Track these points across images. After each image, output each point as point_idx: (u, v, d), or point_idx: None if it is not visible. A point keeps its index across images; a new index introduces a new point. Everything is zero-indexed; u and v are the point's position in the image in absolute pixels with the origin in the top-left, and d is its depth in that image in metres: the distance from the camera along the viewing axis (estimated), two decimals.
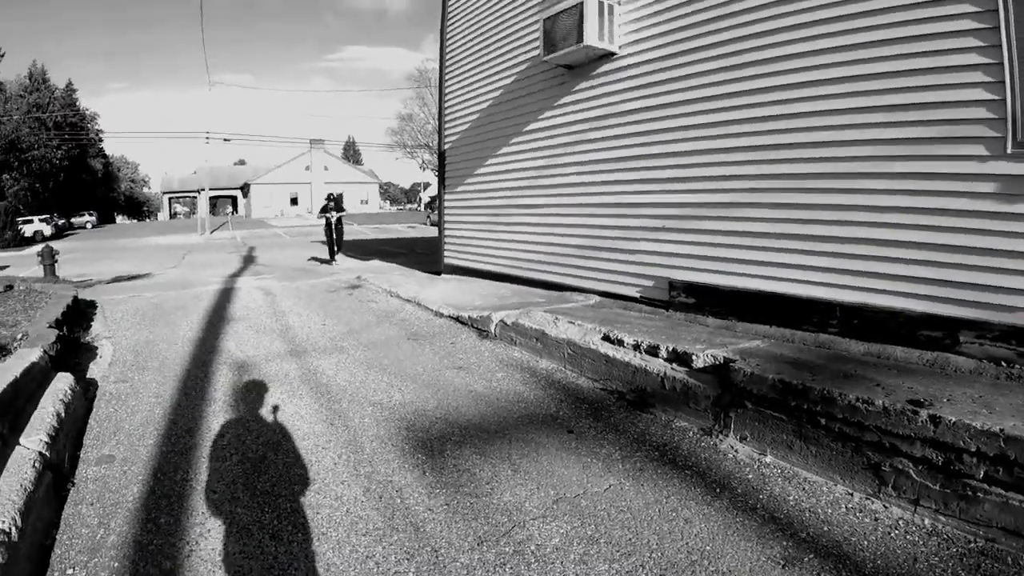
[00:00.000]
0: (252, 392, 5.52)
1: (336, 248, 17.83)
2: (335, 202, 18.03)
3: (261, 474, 4.01)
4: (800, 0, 5.77)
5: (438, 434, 4.62)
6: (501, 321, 7.17)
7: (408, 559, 3.11)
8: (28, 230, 42.81)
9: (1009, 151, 4.67)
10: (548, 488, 3.78)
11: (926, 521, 3.46)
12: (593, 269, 8.43)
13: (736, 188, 6.40)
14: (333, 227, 17.59)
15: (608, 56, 7.93)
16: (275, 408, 5.13)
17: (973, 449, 3.36)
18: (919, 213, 5.13)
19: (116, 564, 3.09)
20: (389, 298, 10.26)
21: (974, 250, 4.83)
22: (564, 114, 8.79)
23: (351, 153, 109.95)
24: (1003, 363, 4.71)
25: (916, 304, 5.15)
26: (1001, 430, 3.31)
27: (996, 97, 4.69)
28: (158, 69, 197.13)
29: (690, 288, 6.98)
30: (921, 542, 3.34)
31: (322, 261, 18.67)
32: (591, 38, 7.57)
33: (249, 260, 19.66)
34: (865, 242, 5.38)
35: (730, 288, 6.49)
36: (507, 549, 3.18)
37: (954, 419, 3.42)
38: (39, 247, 15.16)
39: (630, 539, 3.25)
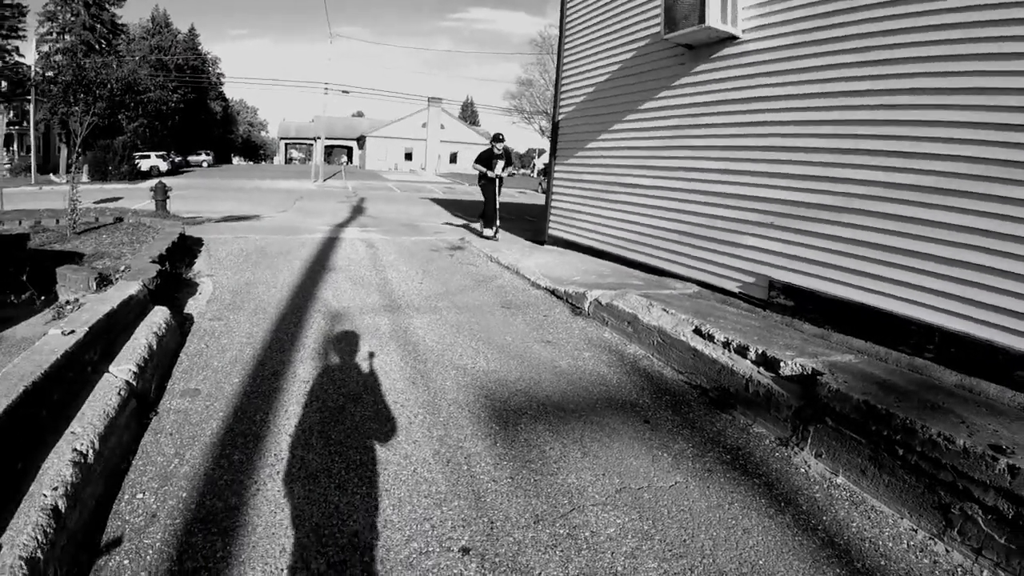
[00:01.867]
0: (341, 342, 5.82)
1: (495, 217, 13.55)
2: (505, 153, 13.39)
3: (337, 424, 4.27)
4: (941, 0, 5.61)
5: (515, 406, 4.79)
6: (595, 300, 7.29)
7: (464, 526, 3.28)
8: (144, 165, 44.56)
9: None
10: (614, 476, 3.90)
11: (985, 573, 3.49)
12: (694, 258, 8.43)
13: (849, 192, 6.28)
14: (497, 187, 13.36)
15: (730, 39, 7.83)
16: (361, 361, 5.40)
17: None
18: None
19: (184, 494, 3.36)
20: (488, 263, 10.49)
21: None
22: (680, 95, 8.73)
23: (468, 114, 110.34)
24: None
25: (1019, 342, 5.02)
26: None
27: None
28: (279, 19, 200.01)
29: (790, 290, 6.94)
30: None
31: (474, 231, 14.98)
32: (713, 19, 7.49)
33: (358, 211, 20.06)
34: (978, 268, 5.23)
35: (830, 296, 6.42)
36: (561, 531, 3.31)
37: None
38: (153, 182, 15.85)
39: (684, 540, 3.34)
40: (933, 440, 3.73)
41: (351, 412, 4.46)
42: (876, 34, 6.11)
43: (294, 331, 6.05)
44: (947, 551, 3.59)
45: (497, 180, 13.27)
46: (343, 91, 57.51)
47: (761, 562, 3.24)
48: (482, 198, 13.49)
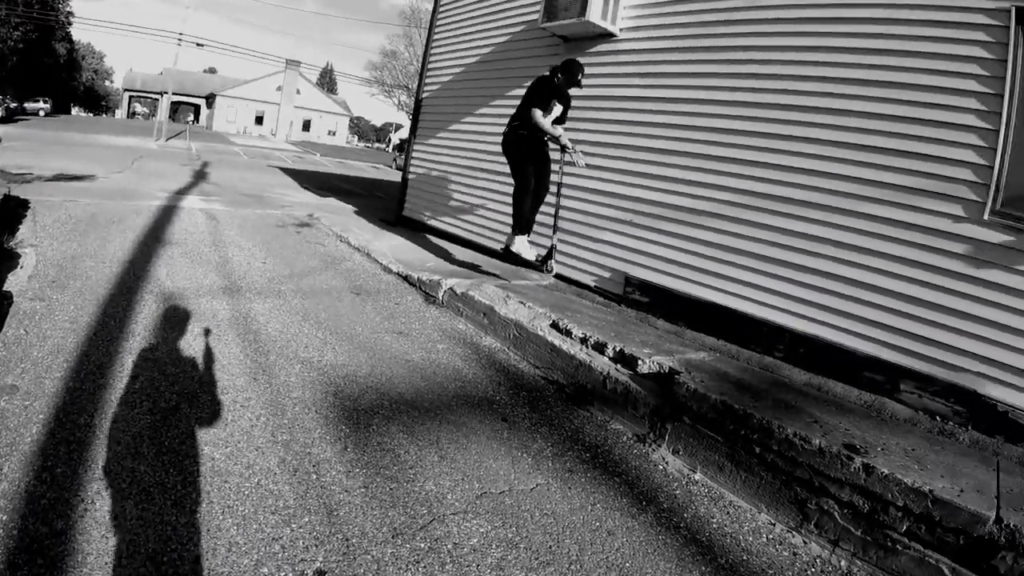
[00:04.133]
0: (175, 330, 5.45)
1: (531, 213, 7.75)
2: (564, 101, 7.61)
3: (171, 428, 3.92)
4: (813, 23, 5.96)
5: (367, 405, 4.62)
6: (450, 289, 7.22)
7: (317, 545, 3.09)
8: None
9: (986, 217, 4.97)
10: (473, 480, 3.84)
11: (843, 563, 3.67)
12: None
13: (708, 196, 6.56)
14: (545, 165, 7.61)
15: (607, 36, 7.95)
16: (197, 353, 5.06)
17: (900, 504, 3.58)
18: (886, 258, 5.39)
19: (5, 517, 2.98)
20: (338, 243, 10.18)
21: (931, 305, 5.14)
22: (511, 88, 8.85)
23: (326, 81, 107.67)
24: (938, 417, 5.04)
25: (864, 345, 5.45)
26: (930, 491, 3.53)
27: (985, 163, 4.98)
28: None
29: (645, 287, 7.13)
30: None
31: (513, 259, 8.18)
32: (595, 14, 7.59)
33: (200, 177, 19.14)
34: (826, 275, 5.64)
35: (684, 294, 6.66)
36: (422, 545, 3.20)
37: (886, 471, 3.62)
38: None
39: (550, 547, 3.33)
40: (790, 440, 3.93)
41: (186, 413, 4.14)
42: (741, 48, 6.45)
43: (123, 316, 5.63)
44: (805, 543, 3.77)
45: (561, 156, 7.49)
46: (197, 44, 54.91)
47: (628, 564, 3.28)
48: (334, 171, 11.71)
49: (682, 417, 4.48)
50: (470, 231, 10.37)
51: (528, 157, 7.42)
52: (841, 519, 3.76)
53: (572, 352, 5.42)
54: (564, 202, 7.98)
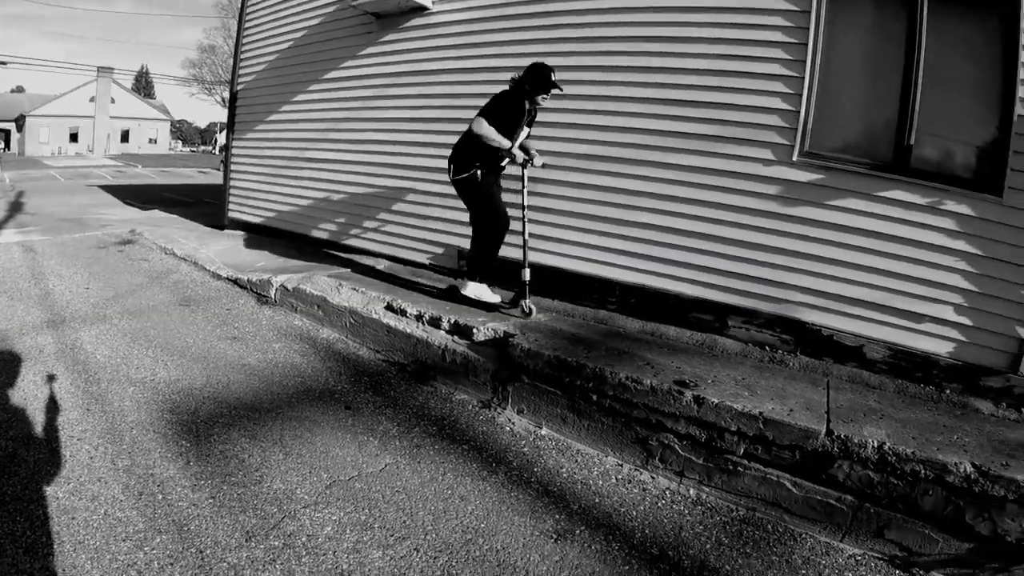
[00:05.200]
0: (2, 375, 5.25)
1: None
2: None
3: (11, 475, 3.72)
4: None
5: (205, 416, 4.56)
6: (282, 286, 7.15)
7: (172, 563, 3.07)
8: None
9: (795, 159, 5.48)
10: (321, 471, 3.87)
11: (691, 492, 3.96)
12: (385, 232, 8.48)
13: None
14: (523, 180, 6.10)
15: (421, 10, 7.95)
16: (27, 394, 4.82)
17: (734, 429, 3.89)
18: (703, 205, 5.78)
19: None
20: (164, 256, 9.84)
21: (751, 245, 5.55)
22: (367, 66, 8.71)
23: (143, 85, 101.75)
24: (767, 347, 5.49)
25: (691, 288, 5.85)
26: (760, 413, 3.86)
27: (792, 108, 5.47)
28: None
29: None
30: (687, 511, 3.79)
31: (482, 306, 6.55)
32: None
33: (15, 208, 17.86)
34: (648, 227, 5.96)
35: (517, 260, 6.83)
36: (277, 543, 3.22)
37: (716, 401, 3.94)
38: None
39: (405, 521, 3.41)
40: (623, 383, 4.18)
41: (24, 458, 3.98)
42: (549, 13, 6.70)
43: None
44: (653, 478, 4.04)
45: (522, 165, 6.08)
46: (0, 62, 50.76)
47: (483, 525, 3.40)
48: (158, 181, 10.60)
49: (521, 377, 4.67)
50: (300, 223, 10.20)
51: (481, 192, 6.05)
52: (683, 451, 4.04)
53: (409, 331, 5.53)
54: (389, 182, 8.09)
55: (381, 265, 8.09)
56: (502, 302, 6.15)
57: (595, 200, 6.34)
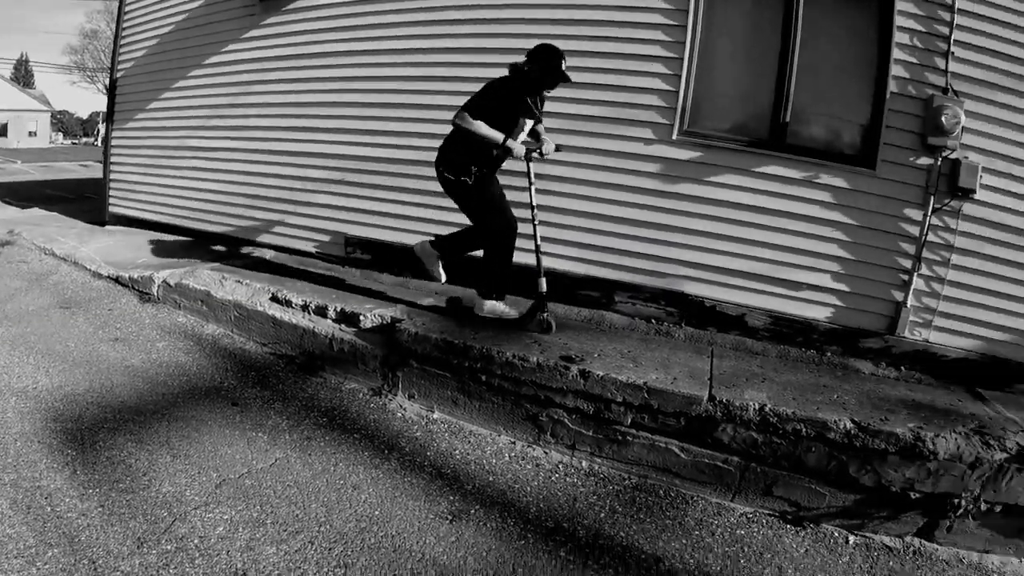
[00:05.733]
0: None
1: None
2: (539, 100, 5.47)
3: None
4: None
5: (90, 422, 4.43)
6: (164, 282, 7.00)
7: None
8: None
9: (675, 137, 5.74)
10: (211, 471, 3.82)
11: (584, 464, 4.11)
12: (270, 222, 8.35)
13: (414, 145, 6.77)
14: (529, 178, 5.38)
15: None
16: None
17: (620, 400, 4.04)
18: (588, 185, 5.99)
19: None
20: (44, 256, 9.45)
21: (633, 222, 5.77)
22: (250, 49, 8.51)
23: (22, 74, 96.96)
24: (653, 320, 5.74)
25: (578, 267, 6.07)
26: (645, 383, 4.03)
27: (671, 88, 5.72)
28: None
29: (365, 244, 7.26)
30: (580, 483, 3.92)
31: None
32: None
33: None
34: (536, 208, 6.06)
35: (404, 245, 6.80)
36: (169, 547, 3.18)
37: (602, 373, 4.08)
38: None
39: (297, 515, 3.41)
40: (510, 362, 4.30)
41: None
42: None
43: None
44: (546, 453, 4.16)
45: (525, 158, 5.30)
46: None
47: (376, 513, 3.43)
48: (38, 177, 9.15)
49: (410, 362, 4.73)
50: (184, 216, 9.88)
51: (477, 198, 5.37)
52: (573, 425, 4.18)
53: (295, 321, 5.52)
54: (274, 170, 7.99)
55: (268, 256, 8.00)
56: (520, 316, 5.40)
57: None
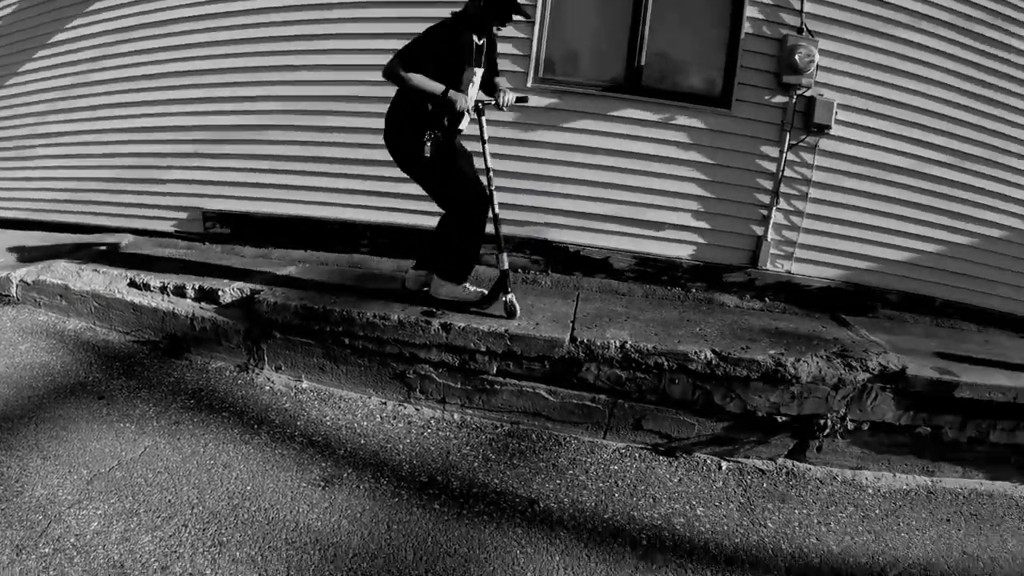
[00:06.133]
0: None
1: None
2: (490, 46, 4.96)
3: None
4: None
5: None
6: (22, 281, 6.74)
7: None
8: None
9: (530, 85, 5.85)
10: (81, 468, 3.77)
11: (455, 416, 4.21)
12: (127, 204, 8.05)
13: (268, 110, 6.67)
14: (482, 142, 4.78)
15: None
16: None
17: (484, 349, 4.15)
18: None
19: None
20: None
21: (493, 172, 5.82)
22: (93, 23, 8.15)
23: None
24: (519, 270, 5.89)
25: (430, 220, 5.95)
26: (507, 331, 4.14)
27: (524, 36, 5.83)
28: None
29: (224, 217, 7.13)
30: (453, 436, 4.03)
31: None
32: None
33: None
34: (389, 164, 6.01)
35: (265, 215, 6.77)
36: (47, 550, 3.14)
37: (463, 325, 4.18)
38: None
39: (170, 500, 3.40)
40: (372, 322, 4.33)
41: None
42: None
43: None
44: (417, 410, 4.26)
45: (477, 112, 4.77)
46: None
47: (249, 488, 3.45)
48: None
49: (273, 333, 4.72)
50: (38, 209, 9.18)
51: (431, 169, 4.77)
52: (440, 379, 4.27)
53: (154, 305, 5.44)
54: (125, 148, 7.74)
55: (125, 241, 7.79)
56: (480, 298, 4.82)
57: (336, 143, 6.39)
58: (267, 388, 4.49)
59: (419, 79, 4.40)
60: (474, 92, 4.75)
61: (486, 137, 4.70)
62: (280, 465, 3.64)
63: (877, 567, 3.83)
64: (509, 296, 4.61)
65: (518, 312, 4.59)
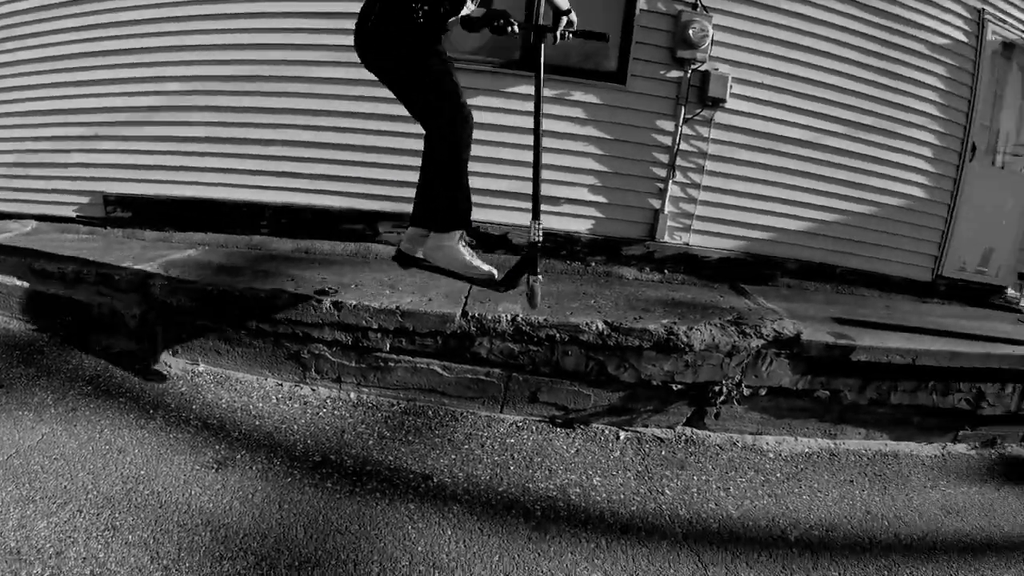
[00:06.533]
0: None
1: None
2: None
3: None
4: None
5: None
6: None
7: None
8: None
9: None
10: None
11: (351, 395, 4.32)
12: (29, 190, 7.88)
13: (167, 91, 6.63)
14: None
15: None
16: None
17: (376, 326, 4.24)
18: (344, 116, 6.14)
19: None
20: None
21: (390, 150, 5.94)
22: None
23: None
24: None
25: (339, 200, 6.21)
26: (398, 307, 4.24)
27: None
28: None
29: (125, 201, 7.08)
30: (348, 415, 4.13)
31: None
32: None
33: None
34: (293, 144, 6.14)
35: (165, 197, 6.75)
36: None
37: (354, 302, 4.26)
38: None
39: (65, 486, 3.44)
40: (265, 303, 4.42)
41: None
42: None
43: None
44: (313, 390, 4.35)
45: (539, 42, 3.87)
46: None
47: (143, 472, 3.51)
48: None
49: (170, 317, 4.78)
50: None
51: (421, 73, 3.80)
52: (334, 358, 4.36)
53: (53, 291, 5.40)
54: (23, 132, 7.60)
55: (28, 228, 7.76)
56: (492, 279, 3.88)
57: (234, 123, 6.39)
58: (164, 372, 4.54)
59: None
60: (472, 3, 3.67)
61: (543, 75, 3.86)
62: (175, 449, 3.70)
63: (778, 530, 4.02)
64: (537, 279, 3.73)
65: (538, 298, 3.77)
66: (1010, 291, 8.41)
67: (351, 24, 5.43)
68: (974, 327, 6.09)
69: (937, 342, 5.29)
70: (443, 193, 3.84)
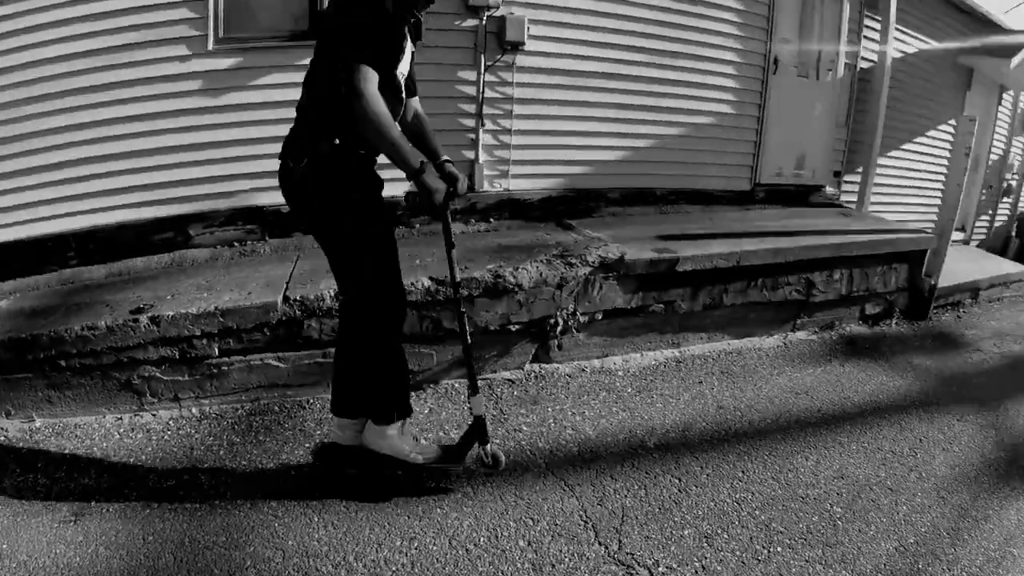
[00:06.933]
0: None
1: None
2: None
3: None
4: None
5: None
6: None
7: None
8: None
9: (211, 48, 5.72)
10: None
11: (193, 410, 4.31)
12: None
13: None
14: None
15: None
16: None
17: (199, 333, 4.23)
18: (129, 122, 5.71)
19: None
20: None
21: (189, 146, 5.63)
22: None
23: None
24: (236, 243, 5.90)
25: (144, 212, 5.89)
26: (216, 308, 4.24)
27: None
28: None
29: None
30: (194, 431, 4.14)
31: None
32: None
33: None
34: (81, 162, 5.70)
35: None
36: None
37: (171, 313, 4.21)
38: None
39: None
40: (82, 336, 4.25)
41: None
42: None
43: None
44: (154, 415, 4.32)
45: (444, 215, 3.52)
46: None
47: (4, 546, 3.40)
48: None
49: None
50: None
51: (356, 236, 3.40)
52: (166, 376, 4.31)
53: None
54: None
55: None
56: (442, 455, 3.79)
57: (15, 153, 5.80)
58: (1, 439, 4.46)
59: (390, 125, 3.01)
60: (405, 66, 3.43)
61: (452, 232, 3.61)
62: (30, 512, 3.61)
63: (636, 440, 4.33)
64: (488, 447, 3.68)
65: (502, 463, 3.73)
66: (828, 189, 9.23)
67: (105, 25, 5.53)
68: (797, 224, 6.60)
69: (764, 242, 5.64)
70: (379, 383, 3.58)
